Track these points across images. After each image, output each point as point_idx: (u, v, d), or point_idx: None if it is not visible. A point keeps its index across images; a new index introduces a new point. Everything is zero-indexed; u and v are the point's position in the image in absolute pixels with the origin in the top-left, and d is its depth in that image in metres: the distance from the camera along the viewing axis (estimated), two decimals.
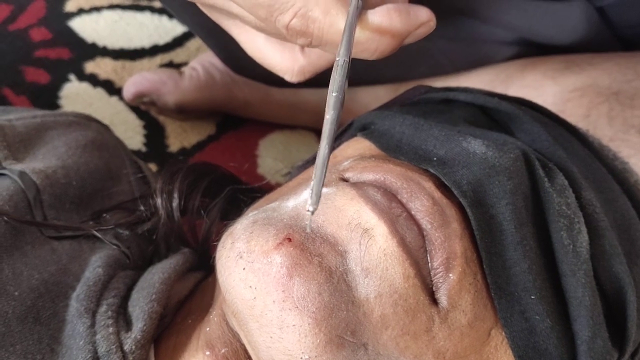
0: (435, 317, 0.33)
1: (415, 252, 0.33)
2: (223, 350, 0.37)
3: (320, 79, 0.74)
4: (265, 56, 0.39)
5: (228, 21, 0.39)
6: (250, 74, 0.77)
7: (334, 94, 0.32)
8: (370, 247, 0.32)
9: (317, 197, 0.30)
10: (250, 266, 0.33)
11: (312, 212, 0.30)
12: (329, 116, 0.31)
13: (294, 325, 0.31)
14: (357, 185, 0.35)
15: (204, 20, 0.71)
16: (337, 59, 0.32)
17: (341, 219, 0.33)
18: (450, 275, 0.33)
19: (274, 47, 0.38)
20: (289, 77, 0.39)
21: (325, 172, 0.30)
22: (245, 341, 0.36)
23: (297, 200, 0.35)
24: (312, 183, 0.30)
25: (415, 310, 0.33)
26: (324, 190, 0.35)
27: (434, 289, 0.34)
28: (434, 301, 0.34)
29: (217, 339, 0.37)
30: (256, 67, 0.75)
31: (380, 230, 0.33)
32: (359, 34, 0.33)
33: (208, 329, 0.38)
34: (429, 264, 0.34)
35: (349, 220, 0.33)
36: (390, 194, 0.34)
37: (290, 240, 0.32)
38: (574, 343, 0.36)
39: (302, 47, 0.38)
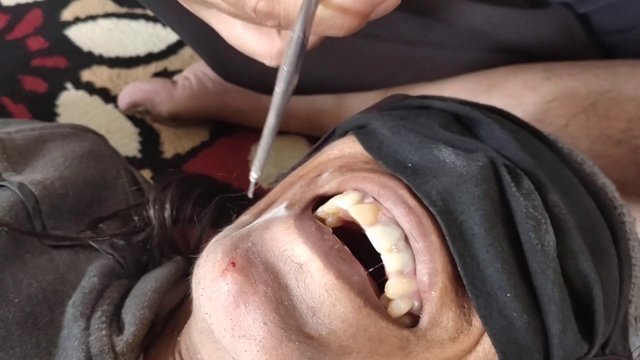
0: (410, 337, 0.35)
1: (356, 282, 0.34)
2: None
3: (308, 86, 0.76)
4: (243, 42, 0.39)
5: (206, 12, 0.39)
6: (241, 82, 0.79)
7: (285, 68, 0.32)
8: (310, 284, 0.33)
9: (260, 166, 0.31)
10: (204, 293, 0.34)
11: (255, 180, 0.31)
12: (278, 89, 0.32)
13: (245, 351, 0.33)
14: (298, 217, 0.36)
15: (194, 29, 0.73)
16: (292, 34, 0.32)
17: (275, 248, 0.35)
18: (432, 292, 0.35)
19: (251, 32, 0.38)
20: (269, 62, 0.39)
21: (272, 141, 0.31)
22: (203, 356, 0.37)
23: (259, 220, 0.37)
24: (258, 150, 0.31)
25: (381, 335, 0.34)
26: (279, 212, 0.37)
27: (421, 304, 0.35)
28: (411, 313, 0.35)
29: (186, 351, 0.39)
30: (246, 75, 0.77)
31: (315, 265, 0.34)
32: (323, 11, 0.33)
33: (179, 339, 0.40)
34: (416, 274, 0.35)
35: (281, 250, 0.34)
36: (323, 229, 0.35)
37: (234, 264, 0.34)
38: (548, 337, 0.37)
39: (278, 29, 0.38)
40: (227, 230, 0.38)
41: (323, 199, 0.39)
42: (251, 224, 0.37)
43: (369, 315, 0.34)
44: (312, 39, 0.36)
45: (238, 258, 0.34)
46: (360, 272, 0.35)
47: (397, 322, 0.36)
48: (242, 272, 0.33)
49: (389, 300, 0.36)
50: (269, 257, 0.34)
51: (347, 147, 0.43)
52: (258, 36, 0.38)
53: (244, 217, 0.40)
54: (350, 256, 0.35)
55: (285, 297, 0.33)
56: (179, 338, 0.40)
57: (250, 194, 0.34)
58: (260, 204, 0.43)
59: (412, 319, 0.37)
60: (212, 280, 0.34)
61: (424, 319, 0.35)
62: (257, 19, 0.34)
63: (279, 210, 0.38)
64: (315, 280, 0.33)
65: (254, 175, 0.31)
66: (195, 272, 0.36)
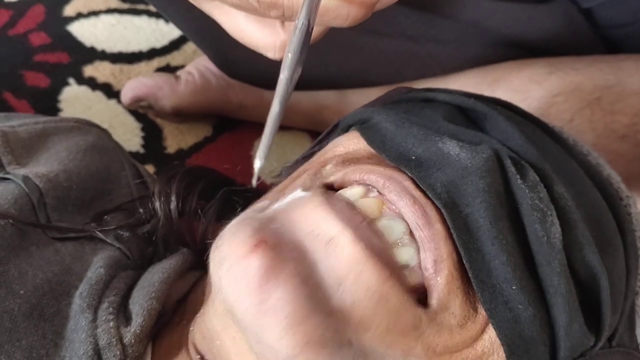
0: (422, 316, 0.34)
1: (385, 254, 0.34)
2: (203, 353, 0.38)
3: (310, 82, 0.76)
4: (246, 35, 0.39)
5: (208, 4, 0.39)
6: (244, 78, 0.79)
7: (289, 55, 0.32)
8: (338, 255, 0.33)
9: (264, 153, 0.30)
10: (230, 270, 0.34)
11: (258, 168, 0.31)
12: (283, 75, 0.32)
13: (270, 327, 0.32)
14: (327, 194, 0.36)
15: (198, 25, 0.73)
16: (296, 21, 0.32)
17: (305, 226, 0.34)
18: (439, 278, 0.35)
19: (254, 24, 0.38)
20: (272, 54, 0.38)
21: (276, 129, 0.31)
22: (224, 341, 0.37)
23: (280, 203, 0.37)
24: (262, 138, 0.31)
25: (400, 310, 0.34)
26: (300, 194, 0.37)
27: (427, 292, 0.35)
28: (420, 302, 0.35)
29: (202, 339, 0.39)
30: (250, 71, 0.77)
31: (345, 238, 0.33)
32: (328, 1, 0.33)
33: (192, 328, 0.40)
34: (421, 264, 0.35)
35: (312, 227, 0.34)
36: (352, 205, 0.36)
37: (263, 242, 0.33)
38: (554, 329, 0.37)
39: (281, 21, 0.38)
40: (247, 212, 0.38)
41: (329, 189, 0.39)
42: (273, 207, 0.37)
43: (392, 286, 0.34)
44: (317, 30, 0.36)
45: (268, 236, 0.33)
46: (387, 248, 0.35)
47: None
48: (273, 249, 0.33)
49: None
50: (298, 236, 0.34)
51: (352, 144, 0.43)
52: (261, 28, 0.38)
53: (261, 203, 0.40)
54: (375, 232, 0.35)
55: (312, 273, 0.33)
56: (191, 328, 0.40)
57: (254, 182, 0.33)
58: (270, 194, 0.43)
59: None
60: (239, 257, 0.33)
61: (433, 302, 0.35)
62: (260, 9, 0.34)
63: (297, 193, 0.38)
64: (344, 252, 0.33)
65: (257, 163, 0.31)
66: (216, 254, 0.35)
